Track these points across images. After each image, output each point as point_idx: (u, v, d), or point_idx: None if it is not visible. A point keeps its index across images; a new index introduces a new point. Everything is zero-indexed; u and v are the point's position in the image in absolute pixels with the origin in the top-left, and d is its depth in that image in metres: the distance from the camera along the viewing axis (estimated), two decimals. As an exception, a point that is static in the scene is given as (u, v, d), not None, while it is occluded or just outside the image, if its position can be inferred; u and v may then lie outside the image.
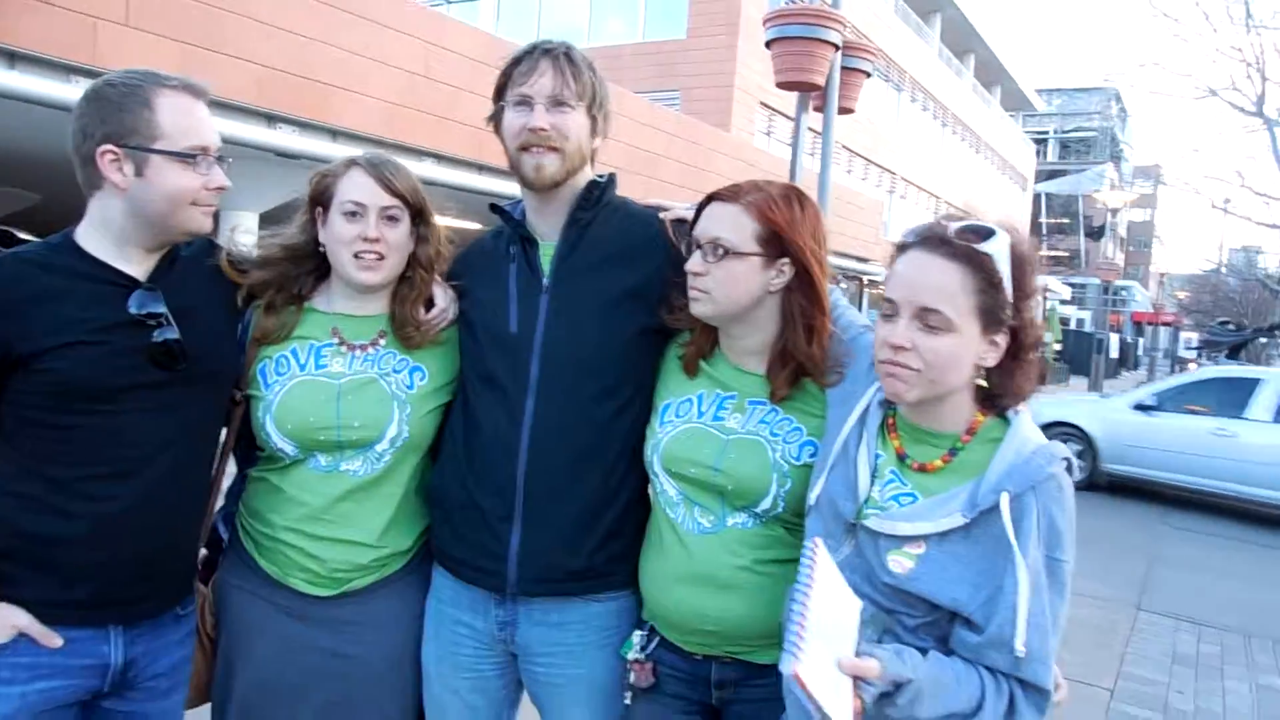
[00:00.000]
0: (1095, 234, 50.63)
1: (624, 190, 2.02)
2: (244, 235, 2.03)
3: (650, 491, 1.91)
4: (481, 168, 9.48)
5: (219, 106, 1.55)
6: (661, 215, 1.98)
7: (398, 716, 1.97)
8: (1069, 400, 11.77)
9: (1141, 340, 41.71)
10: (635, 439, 1.89)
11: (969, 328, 1.46)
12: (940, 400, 1.52)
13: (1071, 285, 41.60)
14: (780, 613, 1.69)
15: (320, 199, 1.91)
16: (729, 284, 1.73)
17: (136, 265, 1.73)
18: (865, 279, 20.89)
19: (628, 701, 1.88)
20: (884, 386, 1.53)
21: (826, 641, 1.36)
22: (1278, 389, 9.50)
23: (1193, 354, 34.12)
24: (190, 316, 1.74)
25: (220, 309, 1.87)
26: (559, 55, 1.85)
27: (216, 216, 1.83)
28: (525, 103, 1.84)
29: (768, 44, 5.49)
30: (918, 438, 1.57)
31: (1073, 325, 38.52)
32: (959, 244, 1.47)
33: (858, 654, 1.39)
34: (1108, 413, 10.56)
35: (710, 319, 1.78)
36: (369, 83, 8.58)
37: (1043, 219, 48.56)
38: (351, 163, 1.91)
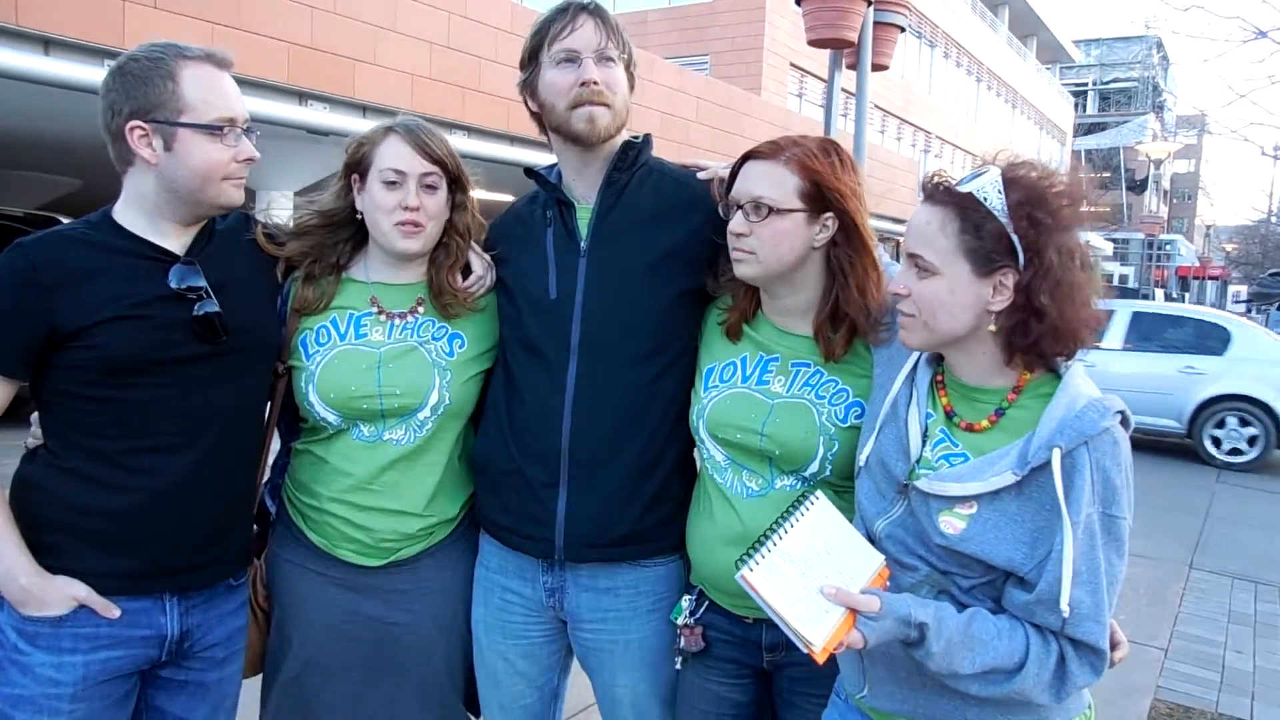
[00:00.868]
0: (1138, 188, 49.47)
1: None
2: (279, 212, 2.03)
3: (696, 456, 1.89)
4: (512, 139, 9.46)
5: (250, 86, 1.56)
6: (700, 176, 1.95)
7: (449, 683, 1.99)
8: (1243, 363, 9.70)
9: (1187, 295, 40.87)
10: (679, 402, 1.87)
11: (955, 270, 1.43)
12: (964, 350, 1.49)
13: (1114, 241, 40.79)
14: None
15: (357, 167, 1.90)
16: (774, 243, 1.69)
17: (173, 240, 1.74)
18: (899, 240, 20.64)
19: (678, 666, 1.88)
20: (898, 336, 1.55)
21: (807, 570, 1.41)
22: None
23: (1241, 307, 33.36)
24: (229, 289, 1.75)
25: (259, 281, 1.88)
26: (595, 10, 1.83)
27: (249, 191, 1.83)
28: (572, 59, 1.81)
29: (798, 1, 5.38)
30: (965, 395, 1.53)
31: (1115, 282, 37.81)
32: (935, 187, 1.47)
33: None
34: None
35: (756, 280, 1.75)
36: (394, 56, 8.58)
37: (1083, 174, 47.47)
38: (388, 130, 1.89)
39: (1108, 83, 57.02)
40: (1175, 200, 67.02)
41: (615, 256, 1.86)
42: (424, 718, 1.98)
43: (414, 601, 1.93)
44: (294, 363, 1.91)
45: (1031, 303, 1.41)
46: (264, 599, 1.98)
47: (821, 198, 1.69)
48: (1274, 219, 39.59)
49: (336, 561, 1.91)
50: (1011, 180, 1.43)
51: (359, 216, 1.92)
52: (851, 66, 5.58)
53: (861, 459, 1.62)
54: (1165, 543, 6.34)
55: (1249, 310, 30.07)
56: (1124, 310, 10.31)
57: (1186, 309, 11.47)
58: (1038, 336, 1.43)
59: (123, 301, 1.65)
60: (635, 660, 1.91)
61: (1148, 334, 10.06)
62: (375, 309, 1.92)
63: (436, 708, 1.99)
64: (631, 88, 1.89)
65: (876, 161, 17.99)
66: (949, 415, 1.53)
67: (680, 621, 1.85)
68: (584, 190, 1.92)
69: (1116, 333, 10.01)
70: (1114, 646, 1.53)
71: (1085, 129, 50.27)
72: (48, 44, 6.17)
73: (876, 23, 5.46)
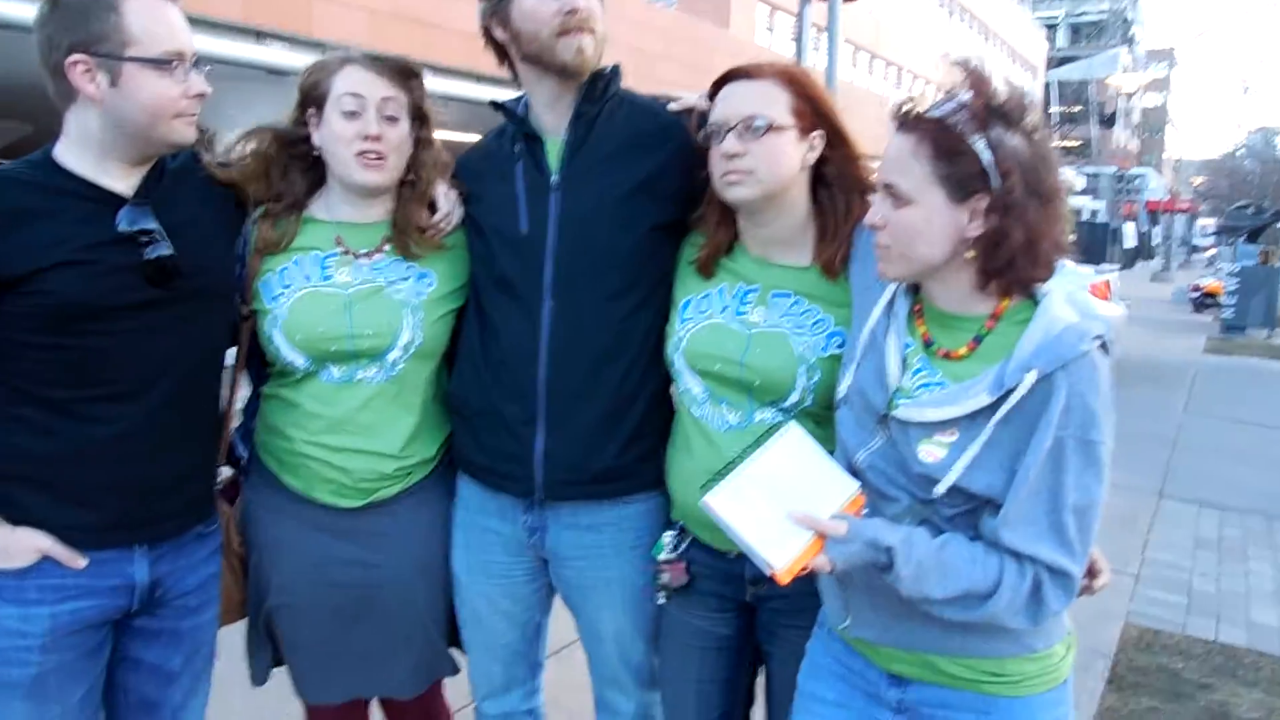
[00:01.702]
0: (1108, 121, 49.50)
1: (623, 94, 1.92)
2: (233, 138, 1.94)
3: (673, 391, 1.87)
4: (479, 77, 9.24)
5: (205, 25, 1.48)
6: (670, 107, 1.90)
7: (431, 624, 1.98)
8: None
9: (1157, 229, 41.19)
10: (654, 337, 1.84)
11: (929, 197, 1.41)
12: (940, 279, 1.47)
13: (1085, 175, 40.89)
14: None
15: (312, 96, 1.82)
16: (771, 160, 1.66)
17: (121, 180, 1.66)
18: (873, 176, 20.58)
19: (661, 601, 1.88)
20: (877, 268, 1.53)
21: (774, 495, 1.44)
22: None
23: (1210, 240, 33.74)
24: (183, 231, 1.68)
25: (214, 222, 1.80)
26: None
27: (212, 135, 1.76)
28: None
29: (770, -72, 5.25)
30: (943, 323, 1.51)
31: (1085, 216, 38.01)
32: (906, 115, 1.44)
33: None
34: None
35: (751, 203, 1.71)
36: (355, -8, 8.32)
37: (1054, 108, 47.47)
38: (345, 58, 1.82)
39: (1079, 15, 56.67)
40: (1145, 135, 67.24)
41: (587, 190, 1.81)
42: (406, 658, 1.97)
43: (393, 544, 1.91)
44: (257, 306, 1.85)
45: (1003, 224, 1.39)
46: (239, 545, 1.95)
47: (810, 114, 1.68)
48: (1241, 153, 39.86)
49: (313, 504, 1.88)
50: (979, 103, 1.40)
51: (315, 153, 1.84)
52: (824, -2, 5.48)
53: (841, 390, 1.60)
54: (1135, 472, 6.46)
55: (1217, 243, 30.41)
56: None
57: None
58: (1011, 257, 1.40)
59: (69, 245, 1.58)
60: (618, 597, 1.91)
61: None
62: (341, 249, 1.86)
63: (418, 648, 1.98)
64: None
65: (846, 97, 17.83)
66: (927, 344, 1.52)
67: (662, 557, 1.84)
68: (553, 123, 1.86)
69: None
70: (1095, 574, 1.55)
71: (1057, 62, 50.03)
72: (-10, -18, 5.92)
73: (850, -49, 5.35)
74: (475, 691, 2.07)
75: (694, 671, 1.90)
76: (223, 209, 1.83)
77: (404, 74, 1.82)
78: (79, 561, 1.65)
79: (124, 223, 1.62)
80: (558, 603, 2.05)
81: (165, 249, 1.64)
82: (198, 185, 1.79)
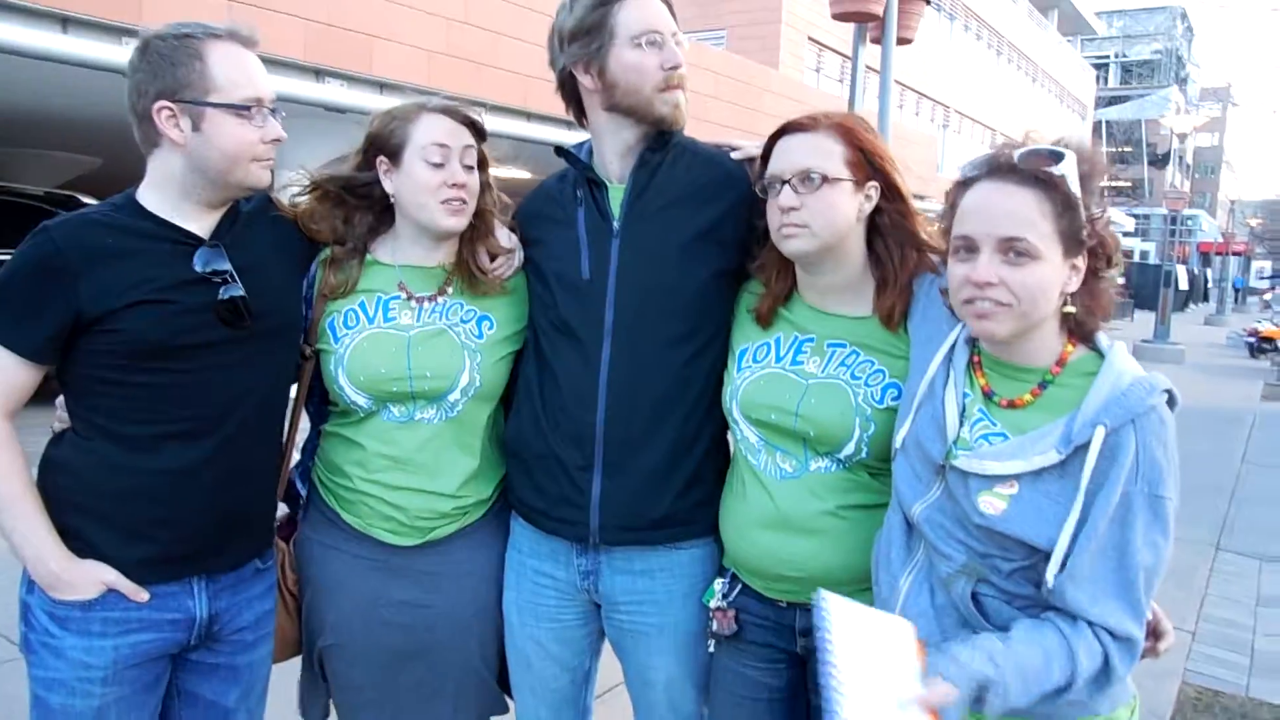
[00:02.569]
0: (1160, 162, 48.81)
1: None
2: (297, 190, 2.00)
3: (730, 438, 1.87)
4: (529, 115, 9.39)
5: (268, 63, 1.54)
6: (733, 155, 1.92)
7: (481, 665, 1.98)
8: None
9: (1209, 271, 40.39)
10: (713, 384, 1.85)
11: (1053, 253, 1.40)
12: (1028, 333, 1.46)
13: (1135, 216, 40.32)
14: (866, 557, 1.66)
15: (385, 146, 1.85)
16: (828, 213, 1.66)
17: (198, 223, 1.72)
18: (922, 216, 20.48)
19: (711, 650, 1.86)
20: (973, 329, 1.47)
21: (876, 683, 1.34)
22: None
23: (1266, 283, 32.98)
24: (254, 272, 1.73)
25: (284, 264, 1.85)
26: None
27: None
28: (655, 41, 1.79)
29: (822, -27, 5.30)
30: (1005, 373, 1.50)
31: (1136, 258, 37.42)
32: (1028, 169, 1.41)
33: (924, 682, 1.35)
34: None
35: (807, 255, 1.71)
36: (411, 32, 8.52)
37: (1103, 148, 46.95)
38: (421, 107, 1.86)
39: (1130, 55, 56.18)
40: (1198, 175, 66.15)
41: (648, 237, 1.83)
42: (456, 698, 1.97)
43: (447, 583, 1.92)
44: (322, 346, 1.89)
45: (1096, 276, 1.44)
46: (294, 583, 1.98)
47: (864, 165, 1.69)
48: (1300, 193, 39.01)
49: (371, 542, 1.90)
50: (1084, 162, 1.43)
51: (384, 196, 1.88)
52: (876, 40, 5.50)
53: (898, 440, 1.59)
54: (1191, 524, 6.27)
55: (1274, 285, 29.72)
56: None
57: None
58: (1094, 309, 1.45)
59: (148, 286, 1.63)
60: (670, 644, 1.90)
61: None
62: (404, 293, 1.90)
63: (470, 689, 1.98)
64: None
65: (896, 137, 17.81)
66: (987, 395, 1.50)
67: (713, 604, 1.84)
68: (618, 170, 1.88)
69: None
70: (1160, 635, 1.51)
71: (1106, 101, 49.59)
72: (66, 22, 6.16)
73: (902, -5, 5.38)
74: (522, 734, 2.06)
75: (744, 722, 1.87)
76: (292, 250, 1.88)
77: (474, 125, 1.88)
78: (142, 595, 1.68)
79: (199, 263, 1.67)
80: (606, 648, 2.04)
81: (237, 290, 1.68)
82: (269, 227, 1.84)
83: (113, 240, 1.64)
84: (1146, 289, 26.95)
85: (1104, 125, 47.04)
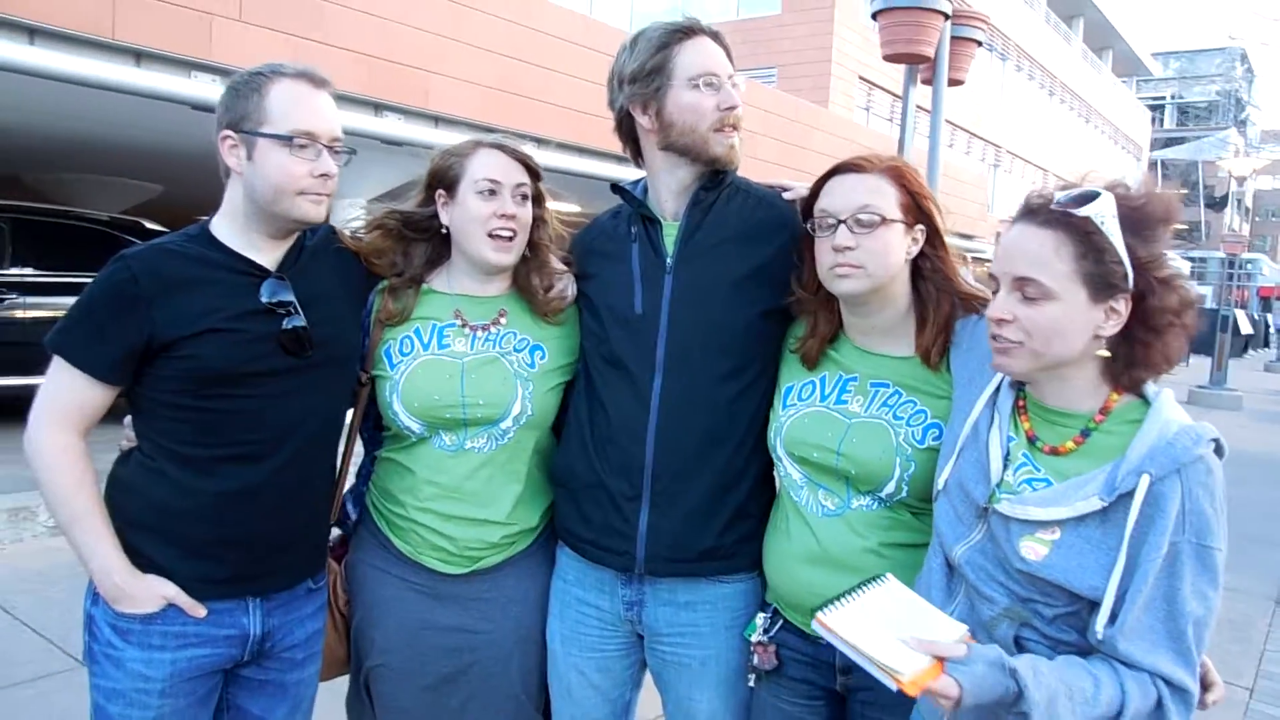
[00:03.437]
0: (1217, 205, 47.88)
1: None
2: (354, 222, 2.07)
3: (775, 474, 1.88)
4: (580, 150, 9.52)
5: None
6: (785, 196, 1.96)
7: (523, 694, 2.00)
8: None
9: (1270, 317, 39.36)
10: (760, 420, 1.86)
11: (1071, 295, 1.39)
12: (1063, 376, 1.46)
13: (1191, 260, 39.52)
14: None
15: (444, 180, 1.93)
16: (883, 254, 1.68)
17: (266, 254, 1.79)
18: (969, 256, 20.27)
19: (751, 684, 1.86)
20: (994, 363, 1.50)
21: (887, 624, 1.39)
22: None
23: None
24: (316, 303, 1.79)
25: (345, 295, 1.91)
26: (716, 35, 1.87)
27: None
28: (712, 83, 1.83)
29: (874, 15, 5.34)
30: (1048, 419, 1.49)
31: (1192, 301, 36.44)
32: (1051, 210, 1.42)
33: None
34: None
35: (860, 296, 1.72)
36: (466, 68, 8.70)
37: (1166, 191, 46.05)
38: (478, 144, 1.93)
39: (1187, 97, 55.35)
40: (1259, 218, 64.68)
41: (701, 274, 1.86)
42: (498, 727, 1.99)
43: (493, 610, 1.95)
44: (378, 372, 1.94)
45: (1148, 325, 1.39)
46: (344, 603, 2.02)
47: (915, 209, 1.71)
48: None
49: (420, 568, 1.94)
50: (1124, 204, 1.40)
51: (442, 230, 1.95)
52: (927, 81, 5.52)
53: (940, 482, 1.59)
54: (1248, 575, 6.09)
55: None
56: None
57: None
58: (1144, 358, 1.41)
59: (217, 314, 1.69)
60: (712, 677, 1.90)
61: None
62: (459, 321, 1.94)
63: (510, 716, 1.99)
64: None
65: (946, 176, 17.71)
66: (1031, 440, 1.50)
67: (754, 639, 1.84)
68: (672, 207, 1.92)
69: None
70: (1208, 687, 1.49)
71: (1163, 143, 48.83)
72: (139, 56, 6.40)
73: (954, 37, 5.41)
74: (562, 763, 2.06)
75: (782, 758, 1.86)
76: (353, 282, 1.94)
77: (529, 165, 1.94)
78: (200, 610, 1.73)
79: (265, 294, 1.73)
80: (647, 680, 2.04)
81: (300, 320, 1.74)
82: (332, 259, 1.91)
83: (186, 269, 1.71)
84: (1203, 333, 26.34)
85: (1159, 166, 46.31)
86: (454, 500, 1.90)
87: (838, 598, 1.44)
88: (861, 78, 21.11)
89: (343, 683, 2.09)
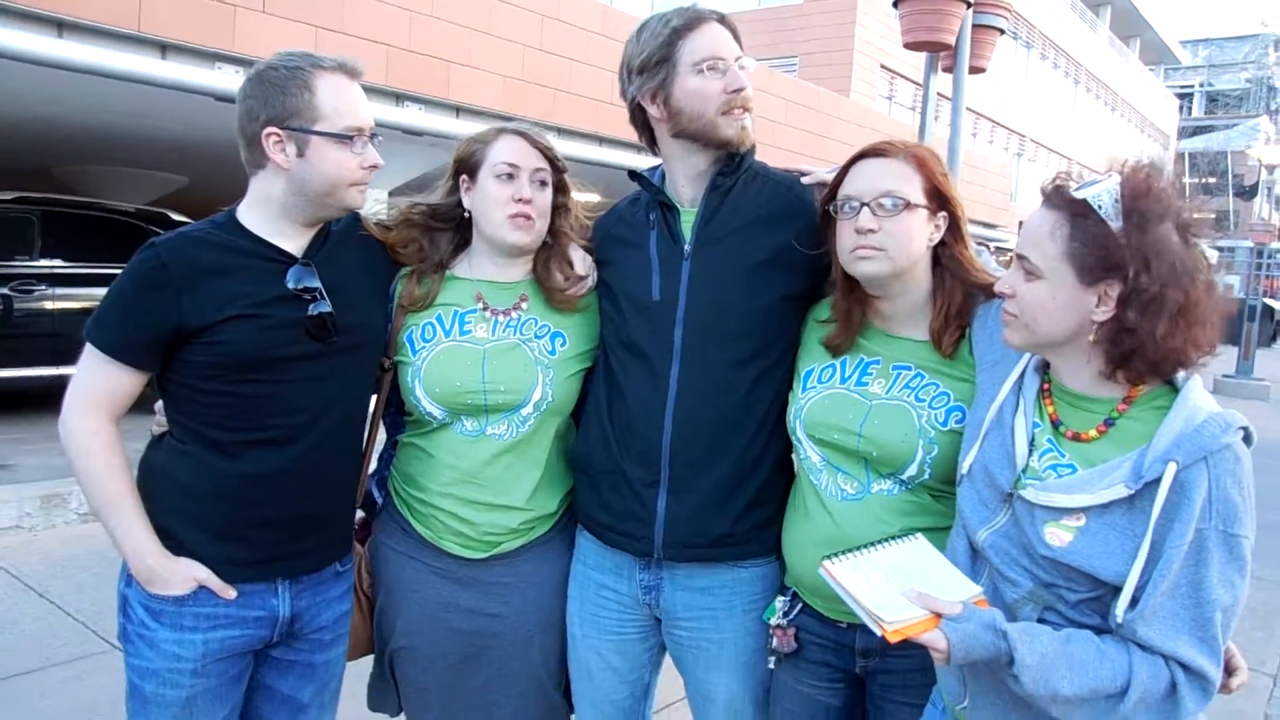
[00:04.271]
0: (1246, 194, 47.13)
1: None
2: (377, 207, 2.10)
3: (794, 458, 1.89)
4: (600, 139, 9.52)
5: None
6: (804, 180, 1.96)
7: (544, 676, 2.03)
8: None
9: (1299, 306, 38.74)
10: (778, 406, 1.87)
11: (1059, 275, 1.41)
12: (1065, 355, 1.47)
13: (1219, 249, 38.97)
14: None
15: (467, 166, 1.96)
16: (905, 238, 1.69)
17: (292, 241, 1.81)
18: (992, 245, 20.13)
19: (771, 666, 1.88)
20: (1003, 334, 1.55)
21: (892, 578, 1.46)
22: None
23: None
24: (341, 290, 1.81)
25: (369, 282, 1.94)
26: (723, 19, 1.87)
27: None
28: (717, 66, 1.83)
29: (895, 3, 5.31)
30: (1072, 403, 1.49)
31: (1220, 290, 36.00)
32: (1051, 192, 1.45)
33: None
34: None
35: (881, 278, 1.72)
36: (487, 58, 8.71)
37: (1186, 179, 45.54)
38: (500, 130, 1.96)
39: (1216, 84, 54.53)
40: (1288, 207, 63.67)
41: (718, 260, 1.87)
42: (520, 708, 2.02)
43: (513, 595, 1.98)
44: (400, 358, 1.96)
45: (1123, 318, 1.38)
46: (368, 586, 2.05)
47: (937, 196, 1.71)
48: (1397, 227, 37.27)
49: (440, 552, 1.96)
50: (1131, 190, 1.39)
51: (466, 215, 1.97)
52: (948, 69, 5.48)
53: (964, 466, 1.59)
54: (1273, 563, 6.02)
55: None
56: None
57: None
58: (1130, 351, 1.39)
59: (245, 301, 1.72)
60: (730, 660, 1.92)
61: None
62: (480, 305, 1.97)
63: (531, 697, 2.02)
64: None
65: (968, 165, 17.57)
66: (1055, 425, 1.50)
67: (773, 622, 1.86)
68: (689, 194, 1.93)
69: None
70: (1231, 672, 1.49)
71: (1191, 131, 48.21)
72: (164, 48, 6.46)
73: (975, 25, 5.37)
74: (582, 746, 2.09)
75: (801, 741, 1.88)
76: (378, 269, 1.97)
77: (549, 154, 1.96)
78: (230, 592, 1.76)
79: (292, 281, 1.76)
80: (667, 663, 2.06)
81: (325, 306, 1.77)
82: (357, 246, 1.93)
83: (214, 256, 1.73)
84: (1231, 322, 25.95)
85: (1186, 156, 45.70)
86: (474, 485, 1.92)
87: (855, 549, 1.52)
88: (884, 66, 20.96)
89: (365, 662, 2.12)
